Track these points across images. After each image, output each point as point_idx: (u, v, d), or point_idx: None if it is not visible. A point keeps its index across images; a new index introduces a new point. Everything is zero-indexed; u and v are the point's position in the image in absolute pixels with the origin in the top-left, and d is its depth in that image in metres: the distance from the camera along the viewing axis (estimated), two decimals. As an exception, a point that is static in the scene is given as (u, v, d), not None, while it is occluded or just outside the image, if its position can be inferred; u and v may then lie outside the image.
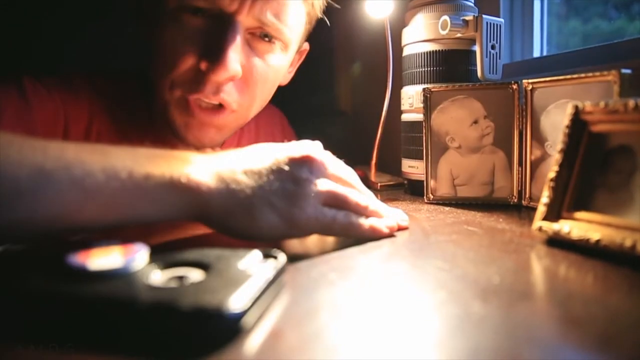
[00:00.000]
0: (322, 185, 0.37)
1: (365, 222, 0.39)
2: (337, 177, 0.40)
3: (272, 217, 0.34)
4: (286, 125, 0.87)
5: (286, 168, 0.36)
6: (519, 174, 0.52)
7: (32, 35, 1.01)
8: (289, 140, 0.73)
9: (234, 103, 0.54)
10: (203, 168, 0.34)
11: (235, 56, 0.50)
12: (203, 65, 0.50)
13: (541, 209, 0.37)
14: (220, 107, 0.53)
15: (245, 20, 0.50)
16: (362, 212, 0.39)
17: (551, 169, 0.38)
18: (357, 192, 0.40)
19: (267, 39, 0.53)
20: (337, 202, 0.38)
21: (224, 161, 0.36)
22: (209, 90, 0.51)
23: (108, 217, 0.31)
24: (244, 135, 0.73)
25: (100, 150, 0.32)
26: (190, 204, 0.33)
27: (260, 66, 0.54)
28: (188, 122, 0.54)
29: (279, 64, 0.57)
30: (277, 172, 0.36)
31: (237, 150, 0.39)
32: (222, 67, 0.49)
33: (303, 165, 0.37)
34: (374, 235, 0.39)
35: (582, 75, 0.45)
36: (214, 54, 0.49)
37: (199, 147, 0.56)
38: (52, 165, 0.29)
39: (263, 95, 0.58)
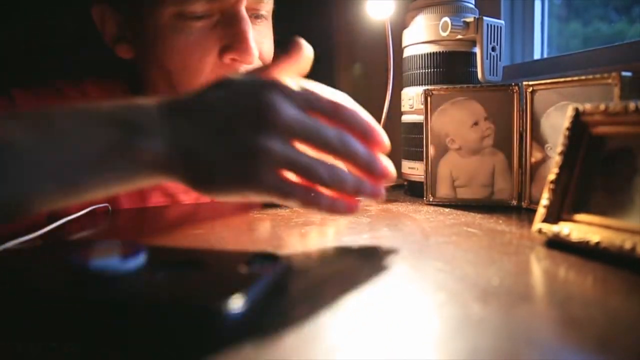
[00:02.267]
0: (284, 151, 0.30)
1: (325, 201, 0.33)
2: (321, 112, 0.33)
3: (226, 182, 0.31)
4: None
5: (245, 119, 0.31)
6: (519, 175, 0.52)
7: (24, 45, 1.01)
8: None
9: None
10: (152, 131, 0.31)
11: (254, 42, 0.53)
12: (228, 59, 0.52)
13: (541, 211, 0.37)
14: None
15: (245, 5, 0.53)
16: (327, 188, 0.33)
17: (551, 171, 0.38)
18: (323, 163, 0.32)
19: (258, 18, 0.56)
20: (299, 175, 0.32)
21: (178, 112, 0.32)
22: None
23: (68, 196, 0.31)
24: None
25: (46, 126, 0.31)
26: (142, 172, 0.31)
27: (265, 44, 0.57)
28: None
29: (271, 33, 0.60)
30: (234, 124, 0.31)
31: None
32: (248, 53, 0.52)
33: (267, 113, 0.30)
34: (333, 214, 0.34)
35: (583, 77, 0.45)
36: (236, 44, 0.52)
37: None
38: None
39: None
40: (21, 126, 0.30)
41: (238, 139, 0.30)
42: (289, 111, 0.30)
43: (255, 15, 0.56)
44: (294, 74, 0.35)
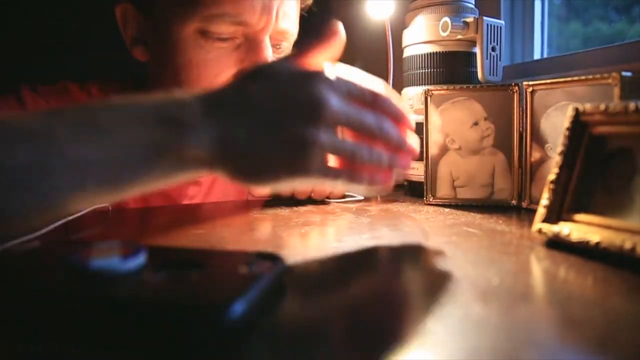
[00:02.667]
0: (331, 140, 0.32)
1: (366, 177, 0.35)
2: (360, 100, 0.34)
3: (275, 173, 0.32)
4: None
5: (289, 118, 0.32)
6: (519, 175, 0.52)
7: (31, 46, 1.01)
8: None
9: None
10: (196, 128, 0.31)
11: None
12: None
13: (541, 211, 0.37)
14: None
15: (270, 31, 0.53)
16: (367, 168, 0.35)
17: (551, 171, 0.38)
18: (364, 146, 0.34)
19: (280, 48, 0.57)
20: (342, 160, 0.34)
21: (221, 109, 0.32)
22: None
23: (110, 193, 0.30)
24: None
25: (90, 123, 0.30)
26: (187, 168, 0.31)
27: None
28: None
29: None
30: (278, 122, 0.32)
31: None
32: None
33: (311, 112, 0.31)
34: (373, 186, 0.36)
35: (583, 77, 0.45)
36: None
37: None
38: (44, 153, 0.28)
39: None
40: (62, 123, 0.29)
41: (287, 131, 0.31)
42: (335, 102, 0.32)
43: (277, 46, 0.56)
44: (328, 59, 0.36)
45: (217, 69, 0.53)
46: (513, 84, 0.52)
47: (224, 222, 0.50)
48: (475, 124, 0.54)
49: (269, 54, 0.53)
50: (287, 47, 0.59)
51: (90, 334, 0.21)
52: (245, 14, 0.51)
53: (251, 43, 0.53)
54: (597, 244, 0.32)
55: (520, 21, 0.79)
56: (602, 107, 0.35)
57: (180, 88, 0.55)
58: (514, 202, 0.53)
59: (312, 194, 0.58)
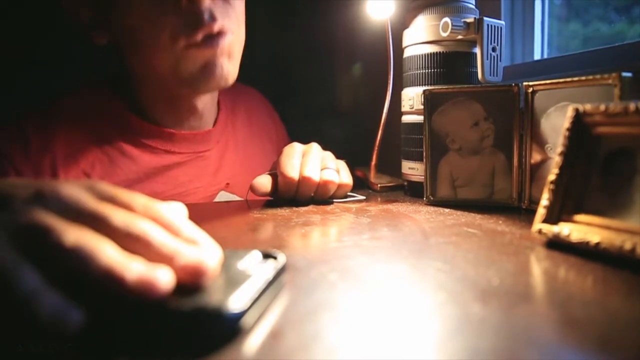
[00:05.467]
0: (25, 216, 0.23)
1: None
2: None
3: None
4: (269, 105, 0.91)
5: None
6: (519, 176, 0.52)
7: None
8: (275, 115, 0.80)
9: (230, 25, 0.58)
10: None
11: None
12: (184, 0, 0.53)
13: (541, 212, 0.37)
14: (219, 35, 0.57)
15: None
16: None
17: (551, 172, 0.38)
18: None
19: None
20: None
21: None
22: (206, 19, 0.54)
23: None
24: (237, 117, 0.77)
25: None
26: None
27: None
28: (202, 65, 0.57)
29: None
30: None
31: None
32: None
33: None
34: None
35: (583, 78, 0.45)
36: None
37: (219, 87, 0.60)
38: None
39: (243, 15, 0.62)
40: None
41: None
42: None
43: None
44: None
45: (159, 5, 0.54)
46: (513, 84, 0.52)
47: (224, 222, 0.50)
48: (475, 124, 0.54)
49: None
50: None
51: (90, 334, 0.21)
52: None
53: None
54: (597, 244, 0.32)
55: (520, 21, 0.79)
56: (602, 107, 0.35)
57: (144, 59, 0.58)
58: (514, 202, 0.53)
59: (314, 194, 0.59)
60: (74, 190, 0.25)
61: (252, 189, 0.58)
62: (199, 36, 0.55)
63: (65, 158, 0.59)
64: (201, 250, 0.24)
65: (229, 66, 0.59)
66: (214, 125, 0.71)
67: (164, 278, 0.21)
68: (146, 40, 0.56)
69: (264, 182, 0.58)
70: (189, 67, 0.57)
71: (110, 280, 0.21)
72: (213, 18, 0.55)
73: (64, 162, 0.58)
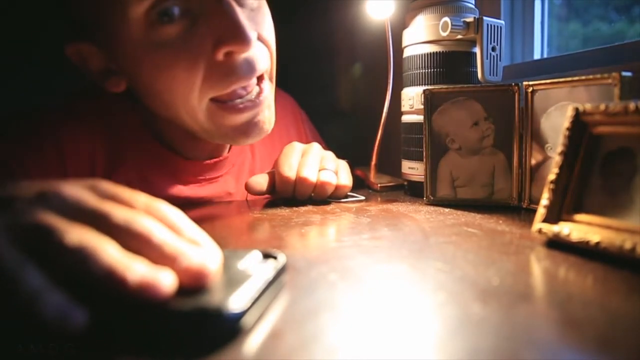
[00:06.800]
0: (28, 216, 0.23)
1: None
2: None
3: None
4: (299, 115, 0.84)
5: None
6: (519, 175, 0.52)
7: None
8: (304, 127, 0.70)
9: (266, 64, 0.50)
10: None
11: (247, 23, 0.45)
12: (222, 54, 0.45)
13: (541, 211, 0.37)
14: (258, 94, 0.49)
15: None
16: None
17: (551, 171, 0.38)
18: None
19: (248, 3, 0.49)
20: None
21: None
22: (245, 70, 0.46)
23: None
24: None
25: None
26: None
27: (265, 25, 0.50)
28: (240, 124, 0.50)
29: (268, 13, 0.53)
30: None
31: None
32: (243, 39, 0.44)
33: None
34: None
35: (583, 77, 0.45)
36: (226, 33, 0.44)
37: (259, 139, 0.53)
38: None
39: (274, 38, 0.54)
40: None
41: None
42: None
43: (242, 4, 0.48)
44: None
45: (185, 61, 0.45)
46: (513, 84, 0.52)
47: (224, 222, 0.50)
48: (475, 124, 0.54)
49: (232, 7, 0.44)
50: None
51: (90, 335, 0.21)
52: None
53: (208, 10, 0.44)
54: (597, 244, 0.32)
55: (520, 21, 0.79)
56: (602, 107, 0.35)
57: (166, 106, 0.49)
58: (514, 202, 0.53)
59: (313, 194, 0.58)
60: (75, 189, 0.25)
61: (247, 187, 0.57)
62: (236, 94, 0.48)
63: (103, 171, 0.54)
64: (203, 251, 0.24)
65: (270, 115, 0.52)
66: (229, 150, 0.65)
67: (166, 281, 0.22)
68: (174, 101, 0.49)
69: (259, 181, 0.57)
70: (223, 128, 0.50)
71: (111, 280, 0.21)
72: (251, 67, 0.47)
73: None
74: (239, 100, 0.49)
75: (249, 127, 0.51)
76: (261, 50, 0.50)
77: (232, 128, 0.50)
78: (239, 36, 0.44)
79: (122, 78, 0.52)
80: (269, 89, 0.52)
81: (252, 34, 0.45)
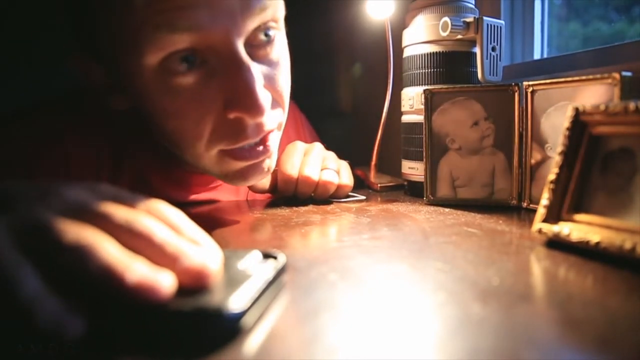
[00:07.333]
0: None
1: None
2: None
3: None
4: (299, 119, 0.84)
5: None
6: (519, 175, 0.52)
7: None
8: (304, 130, 0.69)
9: (276, 123, 0.49)
10: None
11: (263, 91, 0.43)
12: (233, 115, 0.43)
13: (541, 211, 0.37)
14: (265, 148, 0.48)
15: (241, 35, 0.42)
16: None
17: (551, 171, 0.38)
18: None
19: (265, 36, 0.45)
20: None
21: None
22: (254, 133, 0.45)
23: None
24: None
25: None
26: None
27: (280, 76, 0.48)
28: (242, 168, 0.49)
29: (284, 45, 0.49)
30: None
31: None
32: (255, 110, 0.42)
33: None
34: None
35: (583, 77, 0.45)
36: (240, 99, 0.42)
37: (258, 181, 0.52)
38: None
39: (289, 89, 0.51)
40: None
41: None
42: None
43: (258, 46, 0.45)
44: None
45: (195, 113, 0.44)
46: (513, 84, 0.52)
47: (224, 222, 0.50)
48: (475, 124, 0.54)
49: (249, 73, 0.42)
50: (277, 27, 0.46)
51: (90, 335, 0.21)
52: (195, 16, 0.39)
53: (224, 62, 0.42)
54: (597, 244, 0.32)
55: (520, 21, 0.79)
56: (602, 107, 0.35)
57: (170, 140, 0.47)
58: (514, 202, 0.53)
59: (314, 194, 0.59)
60: (76, 190, 0.25)
61: (250, 186, 0.58)
62: (239, 146, 0.46)
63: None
64: (204, 251, 0.24)
65: (272, 161, 0.51)
66: None
67: (165, 283, 0.21)
68: (179, 144, 0.47)
69: (262, 180, 0.58)
70: (224, 170, 0.49)
71: (110, 279, 0.21)
72: (261, 131, 0.46)
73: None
74: (246, 146, 0.48)
75: (249, 171, 0.50)
76: (274, 110, 0.48)
77: (234, 171, 0.50)
78: (251, 106, 0.42)
79: (127, 100, 0.49)
80: (276, 138, 0.51)
81: (265, 103, 0.43)
